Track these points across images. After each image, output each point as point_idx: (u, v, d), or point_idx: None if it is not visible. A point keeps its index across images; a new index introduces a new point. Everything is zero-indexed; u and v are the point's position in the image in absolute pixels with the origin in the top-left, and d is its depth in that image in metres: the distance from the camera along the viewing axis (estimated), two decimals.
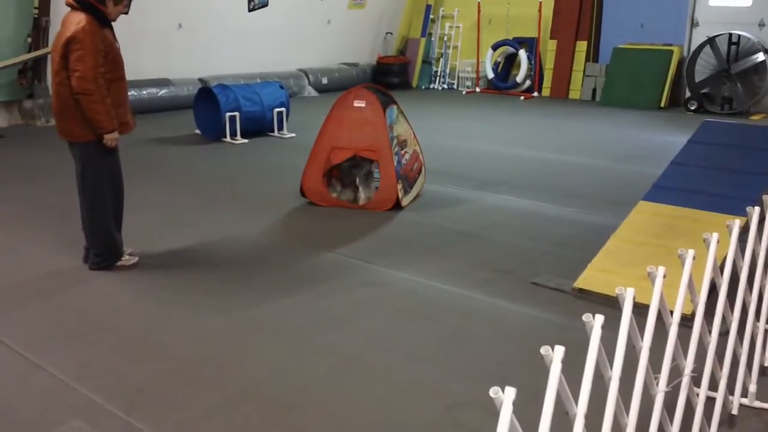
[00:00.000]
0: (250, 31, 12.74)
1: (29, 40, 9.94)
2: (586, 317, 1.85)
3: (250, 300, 4.29)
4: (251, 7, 12.75)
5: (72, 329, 3.88)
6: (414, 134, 6.72)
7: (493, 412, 1.61)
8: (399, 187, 6.08)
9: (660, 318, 2.25)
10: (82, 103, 4.31)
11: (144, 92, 10.88)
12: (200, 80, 11.67)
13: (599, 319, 1.83)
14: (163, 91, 11.24)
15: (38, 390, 3.24)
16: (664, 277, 2.22)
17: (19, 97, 10.16)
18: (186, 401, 3.15)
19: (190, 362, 3.51)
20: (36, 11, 9.90)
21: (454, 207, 6.33)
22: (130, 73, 4.90)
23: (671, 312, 2.40)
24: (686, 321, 2.71)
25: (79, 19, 4.27)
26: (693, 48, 12.02)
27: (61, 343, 3.70)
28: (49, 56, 4.92)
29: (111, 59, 4.41)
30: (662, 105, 12.21)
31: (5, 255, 5.01)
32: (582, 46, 13.41)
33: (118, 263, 4.71)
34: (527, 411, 1.93)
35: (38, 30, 9.91)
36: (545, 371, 1.72)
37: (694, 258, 2.43)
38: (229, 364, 3.51)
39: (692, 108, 11.76)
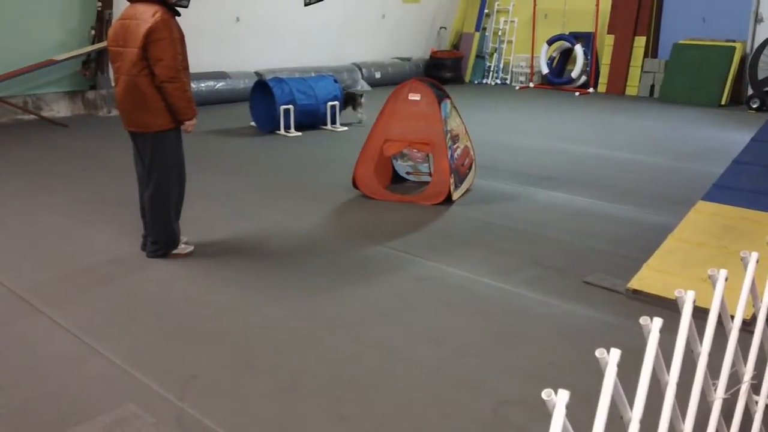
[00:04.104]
0: (305, 26, 12.86)
1: (93, 32, 10.24)
2: (644, 320, 1.80)
3: (302, 290, 4.33)
4: (308, 1, 12.85)
5: (129, 315, 3.98)
6: (466, 129, 6.67)
7: (543, 412, 1.59)
8: (451, 181, 6.06)
9: (719, 322, 2.18)
10: (167, 90, 4.41)
11: (202, 85, 11.08)
12: (256, 73, 11.83)
13: (657, 322, 1.78)
14: (220, 84, 11.43)
15: (94, 374, 3.33)
16: (726, 280, 2.16)
17: (83, 87, 10.49)
18: (238, 388, 3.21)
19: (243, 350, 3.57)
20: (100, 4, 10.19)
21: (505, 203, 6.27)
22: (189, 66, 4.99)
23: (731, 316, 2.33)
24: (745, 325, 2.63)
25: (155, 11, 4.37)
26: (756, 44, 11.65)
27: (118, 329, 3.80)
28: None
29: (182, 49, 4.52)
30: (723, 103, 11.87)
31: (67, 240, 5.17)
32: (640, 41, 13.11)
33: (175, 252, 4.81)
34: (578, 412, 1.90)
35: (101, 23, 10.19)
36: (597, 372, 1.69)
37: (757, 261, 2.36)
38: (281, 352, 3.55)
39: (754, 106, 11.40)
